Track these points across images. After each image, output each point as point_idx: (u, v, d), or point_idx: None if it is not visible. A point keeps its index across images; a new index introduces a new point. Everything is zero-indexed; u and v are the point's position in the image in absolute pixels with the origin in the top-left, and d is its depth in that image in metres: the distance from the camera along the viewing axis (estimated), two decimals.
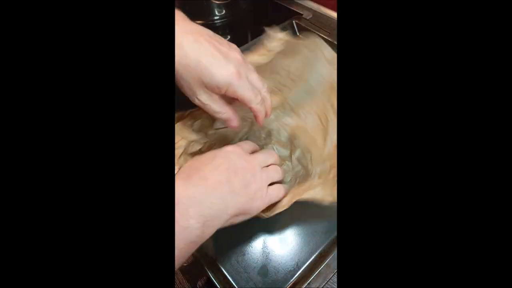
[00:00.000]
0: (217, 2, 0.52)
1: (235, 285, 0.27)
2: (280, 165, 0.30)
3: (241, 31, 0.53)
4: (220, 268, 0.28)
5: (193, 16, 0.59)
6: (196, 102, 0.25)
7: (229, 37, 0.53)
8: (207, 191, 0.22)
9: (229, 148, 0.25)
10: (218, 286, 0.26)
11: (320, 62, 0.37)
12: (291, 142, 0.35)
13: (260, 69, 0.32)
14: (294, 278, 0.27)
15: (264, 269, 0.28)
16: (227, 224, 0.24)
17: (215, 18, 0.53)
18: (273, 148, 0.35)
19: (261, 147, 0.34)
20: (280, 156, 0.32)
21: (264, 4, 0.57)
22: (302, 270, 0.28)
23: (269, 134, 0.36)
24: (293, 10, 0.53)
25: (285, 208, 0.27)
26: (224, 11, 0.53)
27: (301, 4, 0.54)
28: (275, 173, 0.27)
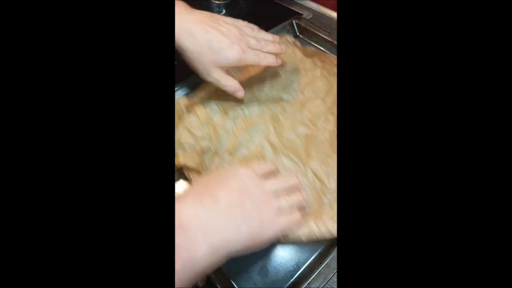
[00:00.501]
0: (217, 2, 0.52)
1: (235, 285, 0.27)
2: (298, 190, 0.28)
3: None
4: (220, 268, 0.28)
5: None
6: (210, 79, 0.32)
7: None
8: (219, 214, 0.20)
9: (242, 170, 0.25)
10: (218, 286, 0.26)
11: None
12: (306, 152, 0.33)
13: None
14: (294, 278, 0.27)
15: (264, 269, 0.28)
16: (236, 255, 0.22)
17: None
18: (284, 159, 0.33)
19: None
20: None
21: (264, 4, 0.57)
22: (302, 270, 0.28)
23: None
24: (293, 10, 0.53)
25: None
26: (224, 11, 0.53)
27: (301, 4, 0.54)
28: (284, 203, 0.25)
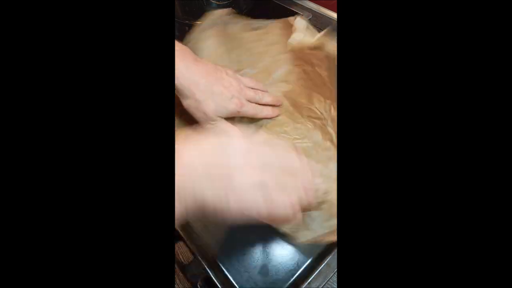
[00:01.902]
0: (217, 3, 0.52)
1: (235, 285, 0.27)
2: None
3: None
4: (220, 267, 0.28)
5: (193, 17, 0.59)
6: (209, 126, 0.33)
7: None
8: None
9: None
10: (219, 286, 0.26)
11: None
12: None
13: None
14: (294, 277, 0.28)
15: (265, 268, 0.28)
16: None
17: None
18: None
19: None
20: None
21: (264, 4, 0.57)
22: (302, 270, 0.28)
23: None
24: (293, 11, 0.53)
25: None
26: None
27: (301, 4, 0.54)
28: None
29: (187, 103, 0.32)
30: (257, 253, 0.29)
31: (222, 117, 0.33)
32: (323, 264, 0.27)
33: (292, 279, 0.28)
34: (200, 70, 0.32)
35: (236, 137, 0.25)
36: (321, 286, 0.27)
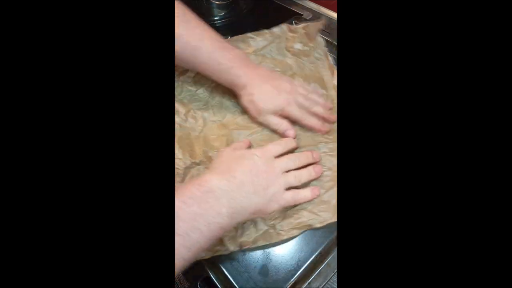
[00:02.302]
0: (217, 3, 0.52)
1: (235, 285, 0.27)
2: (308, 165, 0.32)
3: (241, 32, 0.53)
4: (220, 267, 0.28)
5: None
6: (260, 120, 0.36)
7: (229, 37, 0.53)
8: (236, 187, 0.26)
9: (257, 153, 0.29)
10: (219, 286, 0.26)
11: None
12: None
13: None
14: (294, 277, 0.28)
15: (265, 268, 0.28)
16: (244, 220, 0.28)
17: (215, 18, 0.53)
18: None
19: None
20: None
21: (264, 4, 0.57)
22: (303, 270, 0.28)
23: None
24: (293, 11, 0.53)
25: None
26: (224, 11, 0.53)
27: (301, 4, 0.54)
28: (293, 180, 0.30)
29: (244, 100, 0.36)
30: (257, 253, 0.29)
31: (269, 113, 0.35)
32: (324, 264, 0.27)
33: (292, 279, 0.27)
34: (258, 73, 0.36)
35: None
36: (321, 286, 0.27)
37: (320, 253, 0.29)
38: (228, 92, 0.39)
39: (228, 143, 0.35)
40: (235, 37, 0.45)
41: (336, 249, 0.28)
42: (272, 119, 0.35)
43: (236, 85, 0.35)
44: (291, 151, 0.33)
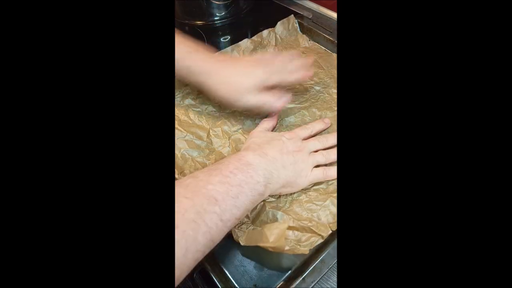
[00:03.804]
0: (217, 3, 0.53)
1: (231, 278, 0.27)
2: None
3: (241, 31, 0.54)
4: (216, 261, 0.28)
5: (193, 17, 0.60)
6: (241, 103, 0.34)
7: (229, 37, 0.53)
8: (268, 162, 0.29)
9: (286, 135, 0.32)
10: (214, 279, 0.27)
11: None
12: None
13: None
14: (289, 273, 0.28)
15: (260, 263, 0.28)
16: (276, 192, 0.30)
17: (215, 18, 0.54)
18: None
19: None
20: None
21: (264, 4, 0.57)
22: (297, 265, 0.28)
23: None
24: (293, 10, 0.53)
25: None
26: (224, 11, 0.54)
27: (301, 4, 0.55)
28: (321, 158, 0.33)
29: (212, 87, 0.35)
30: (253, 247, 0.29)
31: (250, 91, 0.34)
32: (318, 260, 0.28)
33: (286, 274, 0.28)
34: (224, 59, 0.37)
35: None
36: (315, 281, 0.27)
37: (315, 249, 0.29)
38: None
39: None
40: (224, 50, 0.45)
41: (330, 245, 0.28)
42: (258, 97, 0.34)
43: (203, 81, 0.34)
44: (321, 133, 0.36)
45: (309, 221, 0.29)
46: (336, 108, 0.39)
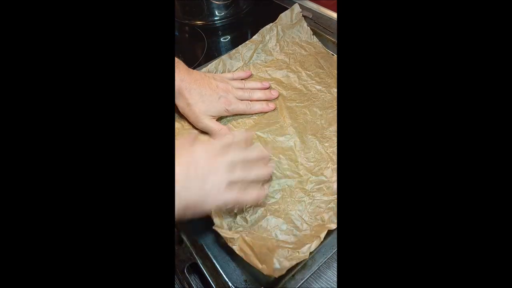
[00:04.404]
0: (217, 3, 0.54)
1: (222, 273, 0.28)
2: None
3: (241, 31, 0.54)
4: (208, 256, 0.29)
5: (193, 17, 0.60)
6: (200, 125, 0.37)
7: (229, 37, 0.54)
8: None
9: (202, 137, 0.32)
10: (205, 273, 0.27)
11: None
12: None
13: None
14: None
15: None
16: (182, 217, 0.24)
17: (215, 18, 0.54)
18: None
19: None
20: None
21: (264, 4, 0.58)
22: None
23: None
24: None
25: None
26: (224, 11, 0.55)
27: (301, 4, 0.55)
28: (240, 177, 0.26)
29: (181, 106, 0.37)
30: None
31: (213, 117, 0.37)
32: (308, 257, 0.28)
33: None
34: (191, 79, 0.36)
35: (219, 137, 0.27)
36: (305, 278, 0.27)
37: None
38: None
39: (264, 145, 0.36)
40: (223, 56, 0.46)
41: (321, 243, 0.28)
42: (212, 124, 0.36)
43: (176, 97, 0.36)
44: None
45: (310, 229, 0.29)
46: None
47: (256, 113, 0.39)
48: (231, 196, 0.26)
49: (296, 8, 0.49)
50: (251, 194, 0.27)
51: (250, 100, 0.39)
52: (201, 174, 0.25)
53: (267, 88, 0.41)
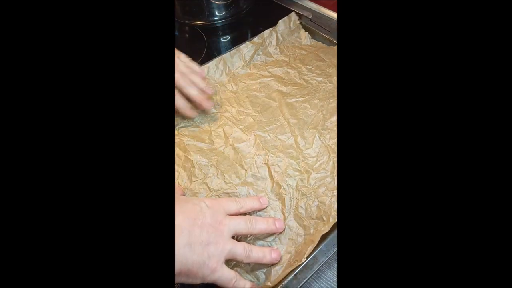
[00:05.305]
0: (217, 3, 0.54)
1: None
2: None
3: (241, 31, 0.54)
4: None
5: (193, 17, 0.60)
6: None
7: (229, 37, 0.54)
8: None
9: (207, 201, 0.24)
10: None
11: None
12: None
13: None
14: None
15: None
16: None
17: (215, 18, 0.55)
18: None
19: None
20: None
21: (264, 4, 0.58)
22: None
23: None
24: (293, 10, 0.53)
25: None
26: (224, 11, 0.55)
27: (301, 4, 0.55)
28: (241, 252, 0.24)
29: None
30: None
31: None
32: (310, 257, 0.28)
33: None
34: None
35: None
36: (307, 278, 0.27)
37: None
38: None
39: (264, 145, 0.36)
40: (224, 55, 0.46)
41: (322, 243, 0.28)
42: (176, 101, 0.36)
43: None
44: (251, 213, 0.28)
45: (310, 234, 0.29)
46: None
47: (187, 96, 0.37)
48: (227, 274, 0.24)
49: (293, 16, 0.50)
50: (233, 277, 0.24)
51: (189, 79, 0.37)
52: (206, 235, 0.23)
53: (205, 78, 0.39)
